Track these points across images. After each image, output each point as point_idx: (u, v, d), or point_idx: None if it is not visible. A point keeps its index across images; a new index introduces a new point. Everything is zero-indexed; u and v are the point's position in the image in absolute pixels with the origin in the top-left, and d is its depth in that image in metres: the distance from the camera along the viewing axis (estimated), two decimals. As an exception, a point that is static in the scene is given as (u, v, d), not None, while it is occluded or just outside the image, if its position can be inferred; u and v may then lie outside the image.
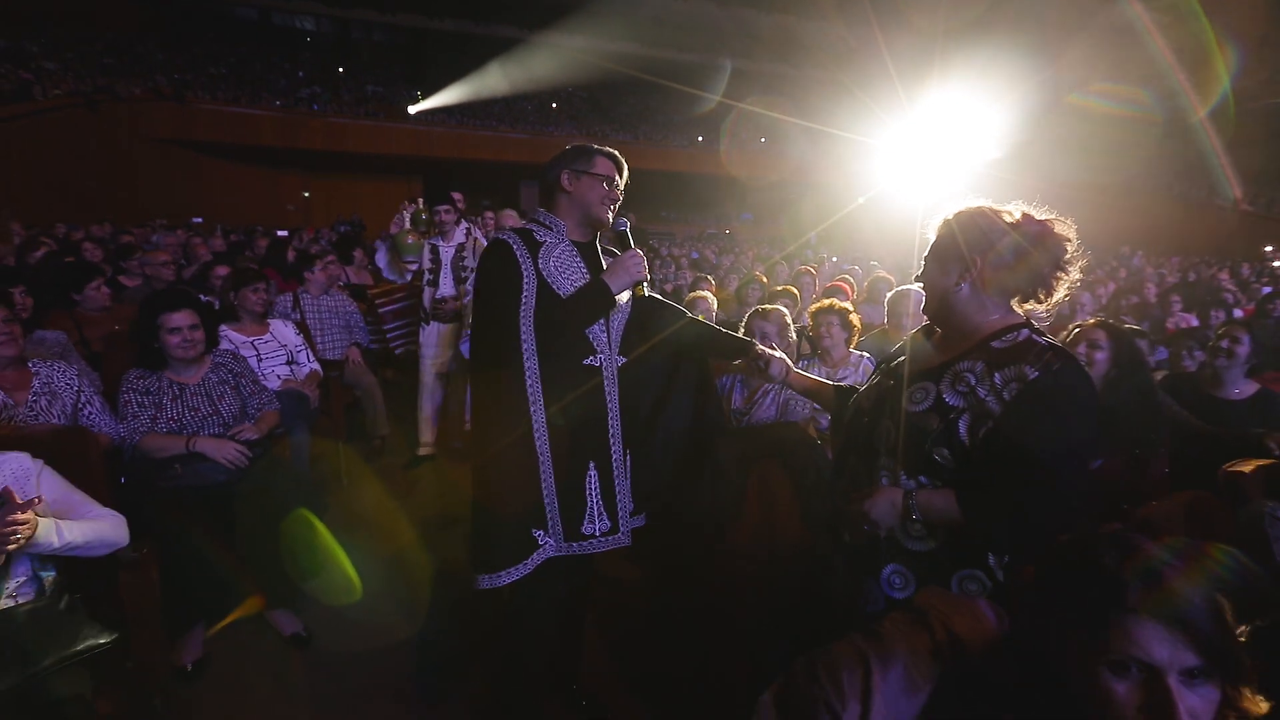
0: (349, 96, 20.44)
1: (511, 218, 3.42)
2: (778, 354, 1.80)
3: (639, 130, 24.28)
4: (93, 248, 5.79)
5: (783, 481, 2.04)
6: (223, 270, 4.29)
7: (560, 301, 1.72)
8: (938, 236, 1.36)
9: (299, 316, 4.03)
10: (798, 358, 3.11)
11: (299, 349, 3.56)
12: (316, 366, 3.61)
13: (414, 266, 4.39)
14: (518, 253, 1.73)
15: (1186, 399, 2.67)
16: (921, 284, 1.40)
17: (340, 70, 22.43)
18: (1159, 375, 2.91)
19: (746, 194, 19.37)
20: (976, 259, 1.27)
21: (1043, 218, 1.27)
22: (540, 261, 1.73)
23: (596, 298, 1.74)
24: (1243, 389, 2.60)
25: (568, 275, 1.76)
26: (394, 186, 16.76)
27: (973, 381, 1.27)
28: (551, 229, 1.81)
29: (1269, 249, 11.83)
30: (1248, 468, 1.88)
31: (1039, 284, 1.27)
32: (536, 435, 1.71)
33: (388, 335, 4.61)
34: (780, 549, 1.86)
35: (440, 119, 20.38)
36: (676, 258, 10.82)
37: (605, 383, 1.77)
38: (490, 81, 21.19)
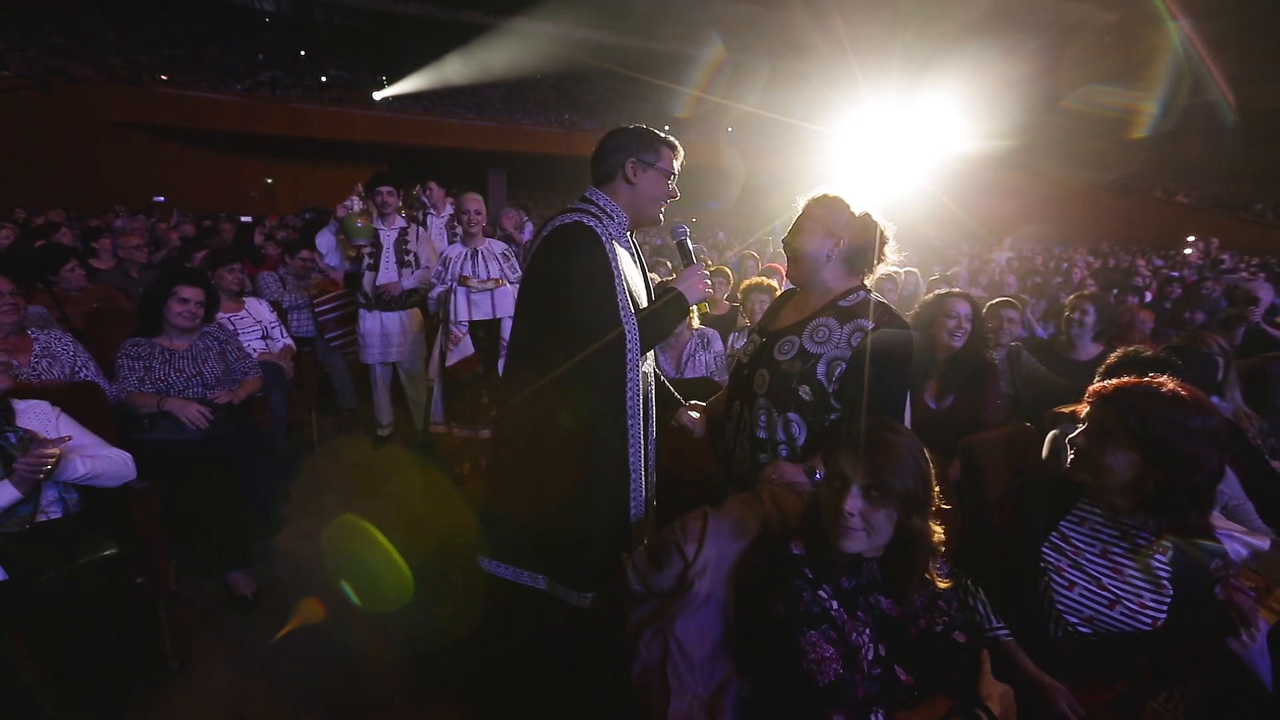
0: (311, 81, 20.18)
1: (474, 201, 3.45)
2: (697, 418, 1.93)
3: (607, 119, 24.42)
4: (66, 231, 5.93)
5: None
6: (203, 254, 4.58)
7: (645, 309, 1.67)
8: (806, 216, 1.72)
9: (278, 297, 4.32)
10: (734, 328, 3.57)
11: (273, 325, 3.84)
12: (290, 342, 3.89)
13: (364, 245, 4.04)
14: (605, 243, 1.61)
15: (1047, 360, 3.16)
16: (790, 252, 1.78)
17: (302, 54, 22.07)
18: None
19: (714, 182, 19.76)
20: (842, 237, 1.66)
21: (876, 218, 1.66)
22: (611, 255, 1.63)
23: (678, 311, 1.69)
24: (1089, 351, 3.09)
25: (630, 273, 1.69)
26: (359, 173, 16.71)
27: (826, 333, 1.66)
28: (613, 219, 1.72)
29: (1191, 239, 12.73)
30: (1067, 410, 2.34)
31: (868, 262, 1.67)
32: (631, 450, 1.64)
33: (331, 343, 4.41)
34: (687, 475, 2.25)
35: (406, 106, 20.28)
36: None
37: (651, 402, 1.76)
38: (457, 68, 21.13)
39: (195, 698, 2.08)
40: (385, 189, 3.91)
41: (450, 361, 3.29)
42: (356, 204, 3.93)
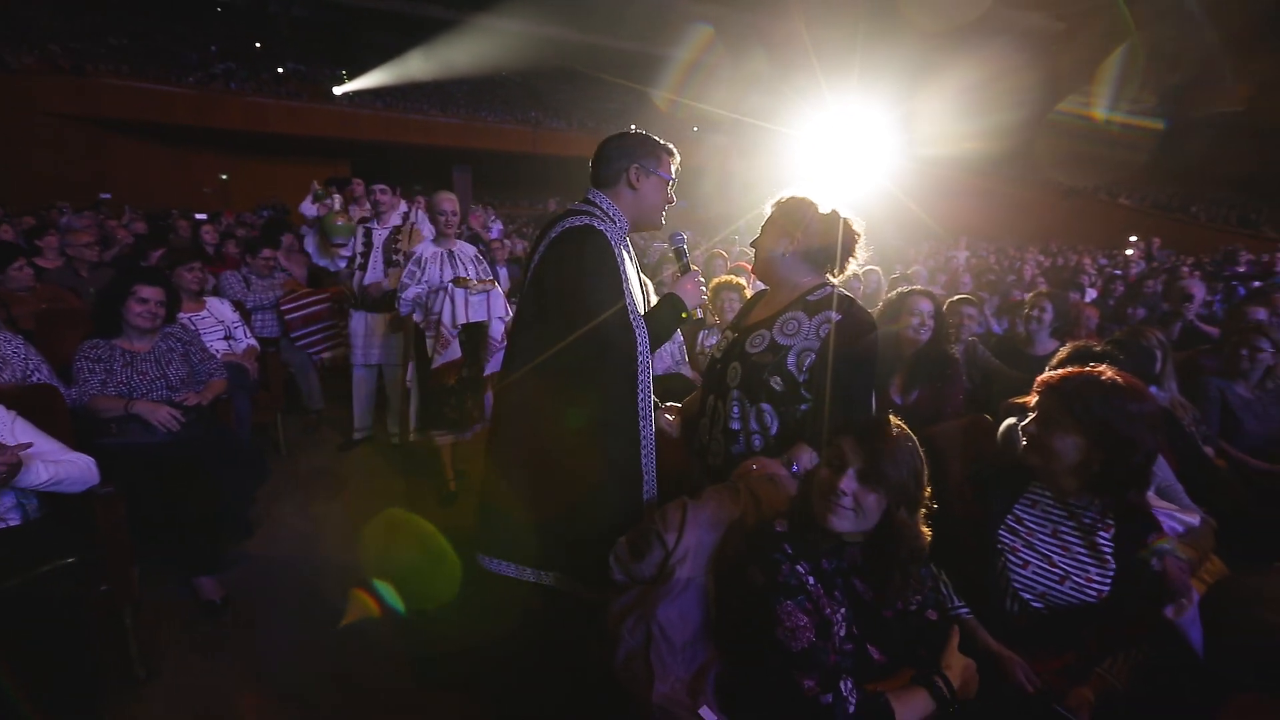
0: (267, 74, 19.59)
1: (450, 200, 3.38)
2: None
3: (573, 118, 24.37)
4: (7, 228, 5.65)
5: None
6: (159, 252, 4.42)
7: (646, 313, 1.68)
8: (770, 215, 1.79)
9: (242, 297, 4.21)
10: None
11: (236, 325, 3.75)
12: (254, 342, 3.81)
13: (346, 252, 4.21)
14: (614, 247, 1.64)
15: (1007, 354, 3.31)
16: (757, 252, 1.84)
17: (257, 45, 21.41)
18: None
19: (680, 182, 19.88)
20: (797, 234, 1.72)
21: (844, 215, 1.73)
22: (620, 259, 1.66)
23: (675, 315, 1.71)
24: (1047, 347, 3.24)
25: (632, 277, 1.71)
26: (320, 170, 16.25)
27: (796, 326, 1.73)
28: (615, 223, 1.73)
29: (1133, 239, 13.39)
30: (1020, 400, 2.47)
31: (832, 259, 1.73)
32: (643, 450, 1.66)
33: (296, 342, 4.37)
34: (660, 472, 2.29)
35: (368, 101, 19.87)
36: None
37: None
38: (420, 64, 20.78)
39: (163, 705, 2.03)
40: (380, 188, 3.98)
41: (436, 364, 3.23)
42: (338, 202, 3.87)
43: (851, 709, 1.12)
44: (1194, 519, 1.69)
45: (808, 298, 1.72)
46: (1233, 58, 20.49)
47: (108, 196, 13.56)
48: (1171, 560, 1.37)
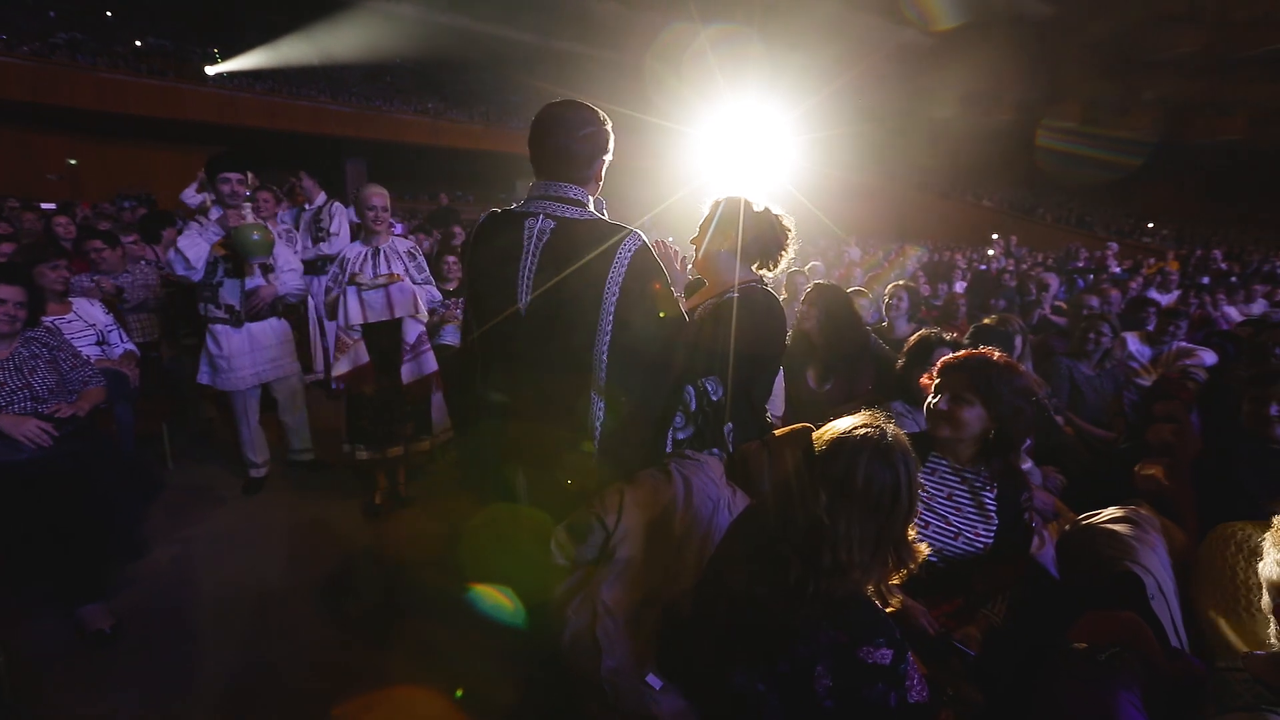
0: (124, 48, 17.53)
1: (380, 195, 3.10)
2: None
3: (475, 110, 23.67)
4: None
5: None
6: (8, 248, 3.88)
7: None
8: (710, 213, 1.89)
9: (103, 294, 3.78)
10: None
11: (110, 328, 3.39)
12: (132, 346, 3.46)
13: (264, 262, 3.35)
14: None
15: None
16: (695, 246, 1.93)
17: (108, 14, 19.08)
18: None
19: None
20: (731, 233, 1.83)
21: (776, 213, 1.86)
22: None
23: None
24: (904, 330, 3.60)
25: None
26: (194, 157, 14.77)
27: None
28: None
29: (994, 236, 14.98)
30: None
31: (769, 257, 1.87)
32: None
33: (183, 340, 3.90)
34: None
35: (247, 84, 18.27)
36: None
37: None
38: (307, 46, 19.37)
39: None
40: (302, 176, 3.60)
41: (339, 371, 3.00)
42: (249, 214, 3.27)
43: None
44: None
45: (729, 291, 1.84)
46: (1070, 78, 23.33)
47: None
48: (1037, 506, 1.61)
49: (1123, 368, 3.65)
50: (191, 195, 4.69)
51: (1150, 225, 20.01)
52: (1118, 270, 9.85)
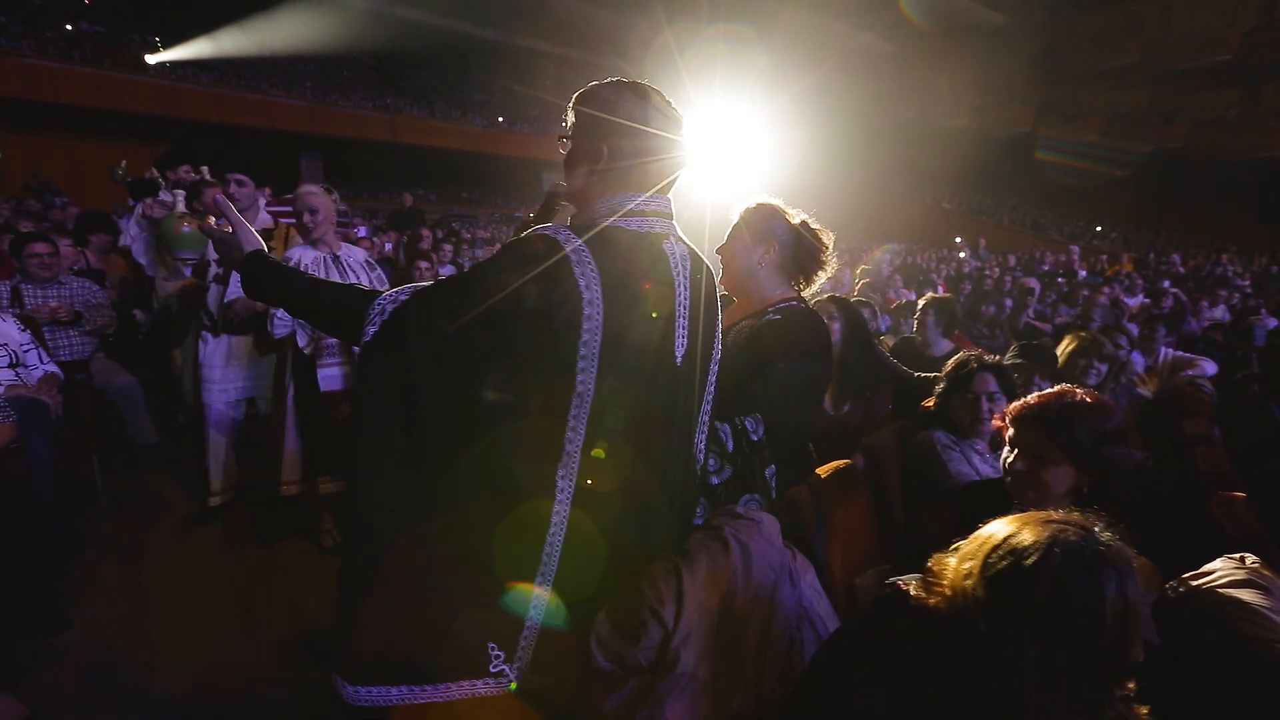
0: (52, 34, 16.31)
1: (314, 196, 2.75)
2: None
3: (435, 106, 22.96)
4: None
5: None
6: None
7: None
8: (739, 223, 1.64)
9: (18, 310, 3.29)
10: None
11: (26, 348, 2.94)
12: (54, 368, 3.01)
13: (192, 260, 3.31)
14: None
15: (907, 357, 3.45)
16: (723, 260, 1.68)
17: (35, -1, 17.73)
18: (891, 340, 3.71)
19: (555, 178, 19.48)
20: (773, 245, 1.59)
21: (814, 225, 1.63)
22: None
23: None
24: (943, 347, 3.42)
25: None
26: (132, 151, 13.68)
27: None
28: None
29: (958, 239, 15.21)
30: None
31: (805, 272, 1.64)
32: None
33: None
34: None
35: (192, 75, 17.22)
36: (489, 241, 10.60)
37: None
38: (256, 36, 18.38)
39: None
40: (235, 178, 3.18)
41: (327, 388, 2.69)
42: (180, 204, 3.06)
43: None
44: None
45: (769, 311, 1.60)
46: (1021, 86, 24.04)
47: None
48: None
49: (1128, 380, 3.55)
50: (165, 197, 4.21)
51: (1099, 229, 20.71)
52: (1084, 274, 10.05)
